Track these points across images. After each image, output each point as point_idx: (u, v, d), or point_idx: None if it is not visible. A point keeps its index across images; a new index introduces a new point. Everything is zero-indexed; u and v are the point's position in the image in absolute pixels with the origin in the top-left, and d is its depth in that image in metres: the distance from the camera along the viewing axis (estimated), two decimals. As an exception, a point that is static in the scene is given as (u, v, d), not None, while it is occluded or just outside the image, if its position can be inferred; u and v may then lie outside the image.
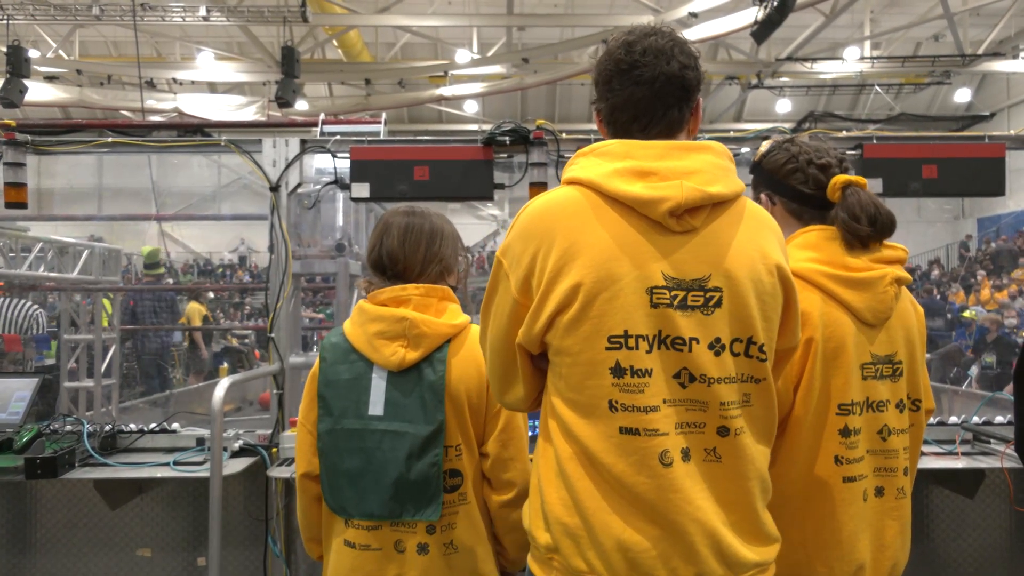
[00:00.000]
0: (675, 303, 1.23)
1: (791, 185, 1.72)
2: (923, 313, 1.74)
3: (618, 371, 1.23)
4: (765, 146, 1.83)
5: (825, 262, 1.61)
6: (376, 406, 1.68)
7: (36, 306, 6.82)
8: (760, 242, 1.29)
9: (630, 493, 1.21)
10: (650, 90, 1.31)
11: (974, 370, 9.93)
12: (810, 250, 1.64)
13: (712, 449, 1.23)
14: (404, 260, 1.76)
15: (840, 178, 1.67)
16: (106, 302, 7.11)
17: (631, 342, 1.22)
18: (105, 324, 6.87)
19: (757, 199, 1.81)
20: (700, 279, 1.24)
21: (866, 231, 1.61)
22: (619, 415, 1.22)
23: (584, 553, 1.23)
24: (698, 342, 1.23)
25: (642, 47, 1.31)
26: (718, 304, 1.24)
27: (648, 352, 1.22)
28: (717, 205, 1.27)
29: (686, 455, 1.22)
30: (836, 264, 1.60)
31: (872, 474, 1.61)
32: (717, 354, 1.24)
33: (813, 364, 1.56)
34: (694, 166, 1.27)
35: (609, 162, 1.29)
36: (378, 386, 1.69)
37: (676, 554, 1.20)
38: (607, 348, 1.23)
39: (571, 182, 1.33)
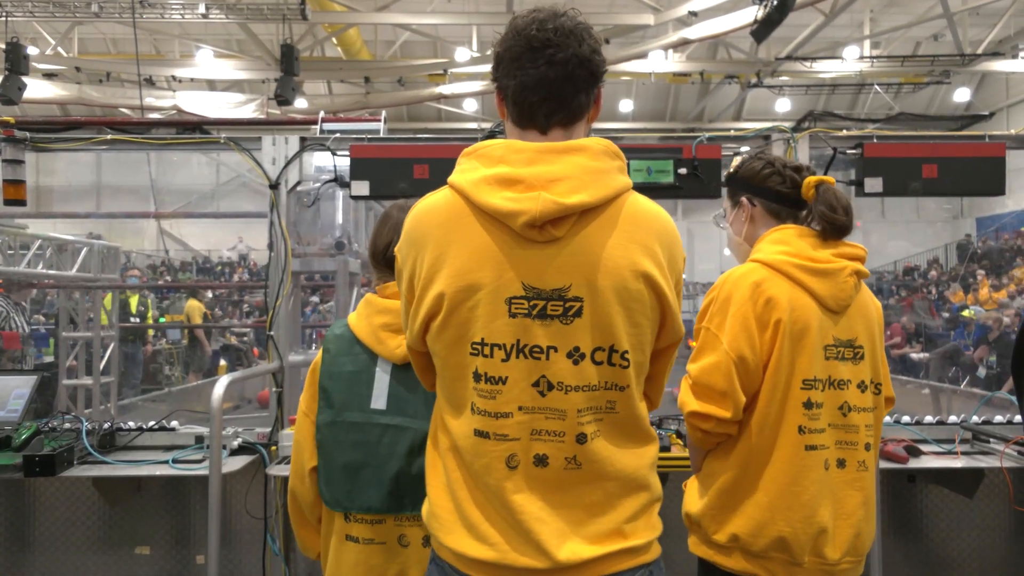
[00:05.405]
0: (533, 313, 1.26)
1: (770, 187, 1.93)
2: (881, 306, 1.92)
3: (477, 376, 1.28)
4: (737, 160, 2.06)
5: (793, 254, 1.81)
6: (379, 400, 1.69)
7: None
8: (631, 248, 1.28)
9: (486, 488, 1.29)
10: (563, 71, 1.29)
11: (982, 371, 9.80)
12: (781, 244, 1.84)
13: (572, 458, 1.28)
14: None
15: (812, 178, 1.88)
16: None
17: (487, 350, 1.27)
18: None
19: (736, 204, 1.99)
20: (560, 289, 1.26)
21: (843, 220, 1.82)
22: (476, 417, 1.29)
23: (449, 534, 1.31)
24: (556, 351, 1.26)
25: (554, 26, 1.28)
26: (578, 314, 1.26)
27: (504, 360, 1.27)
28: (585, 213, 1.27)
29: (541, 461, 1.27)
30: (803, 256, 1.80)
31: (834, 446, 1.77)
32: (576, 363, 1.27)
33: (781, 343, 1.74)
34: (562, 172, 1.26)
35: (484, 167, 1.30)
36: (381, 379, 1.70)
37: (521, 548, 1.26)
38: (470, 354, 1.28)
39: (450, 185, 1.35)
